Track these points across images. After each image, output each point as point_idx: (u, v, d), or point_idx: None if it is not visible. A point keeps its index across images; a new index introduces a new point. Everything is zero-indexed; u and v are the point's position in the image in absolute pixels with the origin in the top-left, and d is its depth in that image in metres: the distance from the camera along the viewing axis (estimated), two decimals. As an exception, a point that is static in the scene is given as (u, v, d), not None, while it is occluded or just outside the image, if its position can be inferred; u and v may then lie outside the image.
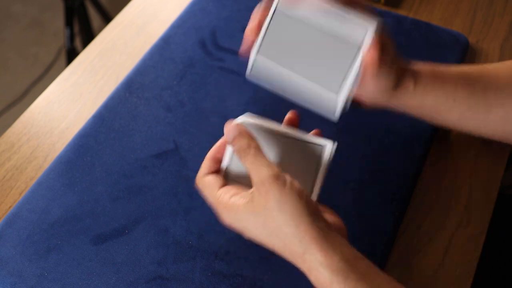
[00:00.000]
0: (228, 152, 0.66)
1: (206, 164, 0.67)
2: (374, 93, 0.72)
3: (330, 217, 0.64)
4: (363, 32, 0.66)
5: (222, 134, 0.65)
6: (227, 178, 0.66)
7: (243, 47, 0.71)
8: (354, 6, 0.68)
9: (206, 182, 0.66)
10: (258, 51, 0.68)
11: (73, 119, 0.89)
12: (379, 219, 0.77)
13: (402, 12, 1.03)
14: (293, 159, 0.66)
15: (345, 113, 0.69)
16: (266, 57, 0.68)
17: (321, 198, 0.66)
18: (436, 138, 0.86)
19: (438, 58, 0.93)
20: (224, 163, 0.67)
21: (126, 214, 0.77)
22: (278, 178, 0.59)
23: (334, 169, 0.70)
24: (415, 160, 0.82)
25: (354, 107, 0.74)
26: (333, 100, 0.67)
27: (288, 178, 0.59)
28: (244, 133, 0.63)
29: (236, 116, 0.68)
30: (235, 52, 0.94)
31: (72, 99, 0.92)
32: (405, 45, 0.96)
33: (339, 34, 0.66)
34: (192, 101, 0.89)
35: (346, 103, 0.67)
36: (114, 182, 0.80)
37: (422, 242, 0.76)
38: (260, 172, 0.60)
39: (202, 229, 0.76)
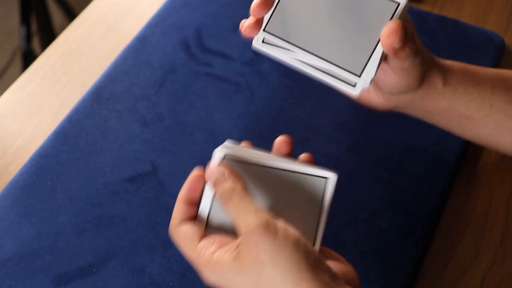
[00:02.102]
0: (206, 192, 0.65)
1: (180, 209, 0.66)
2: (395, 86, 0.71)
3: (337, 265, 0.63)
4: (390, 9, 0.65)
5: (209, 154, 0.66)
6: (208, 226, 0.66)
7: (246, 24, 0.69)
8: None
9: (182, 234, 0.64)
10: (266, 26, 0.67)
11: (30, 135, 0.90)
12: (397, 256, 0.78)
13: (425, 7, 1.04)
14: (289, 199, 0.65)
15: (359, 114, 0.67)
16: (275, 35, 0.67)
17: (327, 232, 0.66)
18: (465, 158, 0.86)
19: (467, 62, 0.94)
20: (204, 207, 0.66)
21: (94, 249, 0.78)
22: (268, 227, 0.58)
23: (343, 196, 0.70)
24: (440, 185, 0.83)
25: (368, 107, 0.75)
26: (353, 81, 0.65)
27: (280, 224, 0.59)
28: (227, 175, 0.63)
29: (225, 133, 0.69)
30: (224, 55, 0.95)
31: (29, 111, 0.93)
32: (429, 46, 0.97)
33: (362, 11, 0.65)
34: (173, 114, 0.90)
35: (371, 76, 0.65)
36: (79, 211, 0.81)
37: (449, 283, 0.77)
38: (246, 221, 0.59)
39: (185, 267, 0.76)
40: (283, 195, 0.65)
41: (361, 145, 0.86)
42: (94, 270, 0.76)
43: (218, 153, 0.65)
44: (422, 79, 0.71)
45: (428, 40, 0.98)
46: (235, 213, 0.60)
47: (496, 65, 0.95)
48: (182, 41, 0.98)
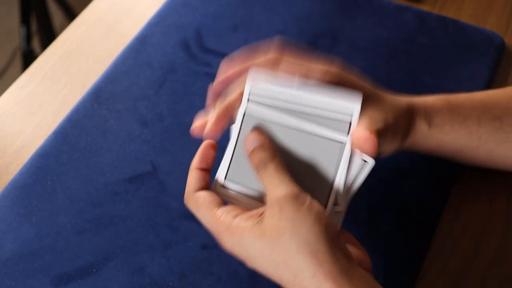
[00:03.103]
0: (228, 154, 0.67)
1: (194, 176, 0.67)
2: (383, 154, 0.74)
3: (353, 249, 0.64)
4: (347, 116, 0.66)
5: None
6: (228, 188, 0.67)
7: (194, 126, 0.72)
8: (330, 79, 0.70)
9: (201, 200, 0.65)
10: (226, 177, 0.68)
11: (30, 135, 0.90)
12: (396, 256, 0.78)
13: (425, 7, 1.04)
14: (306, 162, 0.67)
15: None
16: (237, 182, 0.68)
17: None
18: (465, 158, 0.87)
19: (467, 62, 0.94)
20: (220, 176, 0.67)
21: (94, 249, 0.78)
22: (296, 198, 0.60)
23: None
24: (441, 185, 0.83)
25: None
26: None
27: (308, 198, 0.60)
28: (266, 144, 0.65)
29: (225, 133, 0.69)
30: (224, 55, 0.95)
31: (29, 111, 0.93)
32: (429, 46, 0.97)
33: (321, 128, 0.66)
34: (173, 114, 0.90)
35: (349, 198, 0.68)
36: (79, 211, 0.81)
37: (449, 283, 0.77)
38: (277, 190, 0.61)
39: (185, 267, 0.76)
40: (301, 158, 0.67)
41: (361, 145, 0.86)
42: (94, 270, 0.76)
43: (242, 108, 0.67)
44: (405, 135, 0.73)
45: (428, 40, 0.98)
46: (267, 181, 0.62)
47: (496, 65, 0.95)
48: (182, 41, 0.98)
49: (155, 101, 0.91)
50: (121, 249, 0.78)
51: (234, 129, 0.68)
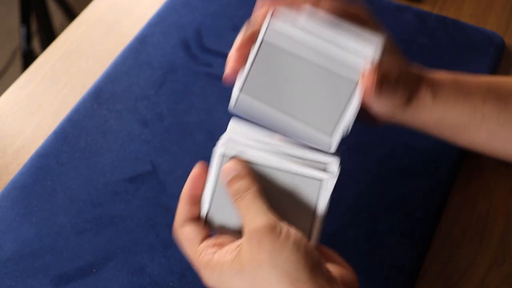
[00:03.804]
0: (208, 189, 0.66)
1: (182, 208, 0.67)
2: (382, 112, 0.72)
3: (336, 268, 0.63)
4: (361, 59, 0.66)
5: (209, 155, 0.66)
6: (210, 223, 0.67)
7: (226, 73, 0.71)
8: (357, 20, 0.70)
9: (185, 235, 0.65)
10: (241, 89, 0.69)
11: (30, 135, 0.90)
12: (397, 256, 0.78)
13: (425, 7, 1.04)
14: (286, 198, 0.66)
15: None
16: (251, 96, 0.68)
17: (326, 232, 0.66)
18: (466, 158, 0.86)
19: (467, 62, 0.94)
20: (205, 206, 0.67)
21: (94, 249, 0.78)
22: (273, 228, 0.59)
23: (343, 196, 0.71)
24: (441, 184, 0.83)
25: (365, 125, 0.75)
26: (326, 141, 0.67)
27: (284, 227, 0.59)
28: (243, 174, 0.64)
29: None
30: (224, 55, 0.95)
31: (29, 111, 0.93)
32: (429, 46, 0.97)
33: (334, 65, 0.67)
34: (173, 114, 0.90)
35: (344, 132, 0.68)
36: (79, 211, 0.81)
37: (449, 283, 0.77)
38: (253, 221, 0.60)
39: (185, 267, 0.76)
40: (281, 194, 0.66)
41: (361, 145, 0.86)
42: (94, 270, 0.76)
43: (219, 150, 0.66)
44: (409, 99, 0.72)
45: (428, 40, 0.98)
46: (245, 211, 0.61)
47: (496, 64, 0.95)
48: (182, 41, 0.98)
49: (155, 101, 0.91)
50: (121, 249, 0.78)
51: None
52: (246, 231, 0.60)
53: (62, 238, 0.79)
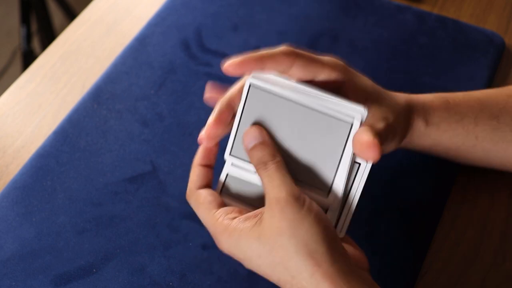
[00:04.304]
0: (227, 164, 0.67)
1: (197, 172, 0.67)
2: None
3: (351, 249, 0.65)
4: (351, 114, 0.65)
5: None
6: (223, 192, 0.68)
7: (202, 137, 0.69)
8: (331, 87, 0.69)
9: (201, 199, 0.66)
10: (230, 153, 0.68)
11: (30, 135, 0.90)
12: (397, 256, 0.78)
13: (425, 7, 1.05)
14: (310, 143, 0.65)
15: None
16: (240, 159, 0.68)
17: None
18: (465, 158, 0.87)
19: (467, 62, 0.94)
20: (222, 176, 0.68)
21: (94, 249, 0.78)
22: (297, 199, 0.60)
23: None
24: (441, 184, 0.83)
25: None
26: (324, 201, 0.66)
27: (307, 199, 0.60)
28: (268, 142, 0.64)
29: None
30: (224, 55, 0.95)
31: (29, 111, 0.93)
32: (429, 46, 0.97)
33: (323, 116, 0.65)
34: (173, 114, 0.90)
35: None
36: (79, 211, 0.81)
37: (450, 283, 0.77)
38: (277, 190, 0.60)
39: (185, 267, 0.76)
40: (305, 137, 0.65)
41: (361, 145, 0.86)
42: (94, 270, 0.76)
43: (247, 82, 0.66)
44: (402, 135, 0.73)
45: (428, 40, 0.98)
46: (267, 180, 0.62)
47: (496, 65, 0.95)
48: (182, 41, 0.98)
49: (155, 101, 0.91)
50: (121, 249, 0.78)
51: (238, 108, 0.67)
52: (269, 199, 0.60)
53: (62, 238, 0.79)
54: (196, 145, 0.84)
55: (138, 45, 0.98)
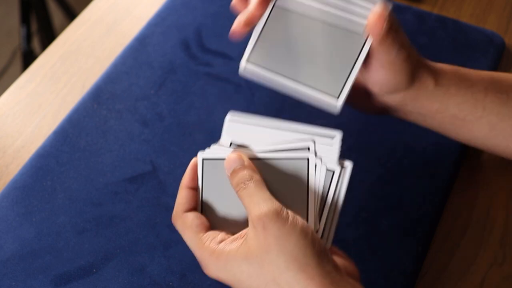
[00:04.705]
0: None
1: (184, 195, 0.67)
2: (385, 84, 0.71)
3: (339, 260, 0.64)
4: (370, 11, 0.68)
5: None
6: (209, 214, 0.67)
7: (233, 29, 0.72)
8: None
9: (188, 222, 0.65)
10: (248, 58, 0.70)
11: (30, 135, 0.90)
12: (397, 256, 0.78)
13: (425, 7, 1.04)
14: (283, 183, 0.67)
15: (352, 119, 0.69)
16: (257, 65, 0.70)
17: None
18: (465, 158, 0.87)
19: (467, 62, 0.94)
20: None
21: (94, 249, 0.78)
22: (279, 214, 0.59)
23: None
24: (440, 184, 0.83)
25: (366, 112, 0.75)
26: (333, 103, 0.68)
27: (290, 213, 0.60)
28: (246, 165, 0.64)
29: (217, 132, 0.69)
30: (224, 55, 0.95)
31: (29, 111, 0.93)
32: (429, 46, 0.97)
33: (344, 21, 0.69)
34: (173, 114, 0.90)
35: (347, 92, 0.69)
36: (79, 211, 0.81)
37: (449, 283, 0.77)
38: (258, 208, 0.60)
39: (185, 267, 0.76)
40: (279, 180, 0.66)
41: (361, 145, 0.86)
42: (94, 270, 0.76)
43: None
44: (412, 77, 0.71)
45: (428, 40, 0.98)
46: (248, 200, 0.61)
47: (496, 64, 0.95)
48: (182, 41, 0.98)
49: (155, 101, 0.91)
50: (121, 249, 0.78)
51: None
52: (251, 218, 0.60)
53: (62, 238, 0.79)
54: (196, 145, 0.84)
55: (138, 45, 0.98)
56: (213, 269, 0.62)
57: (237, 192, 0.63)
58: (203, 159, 0.68)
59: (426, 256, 0.79)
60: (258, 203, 0.60)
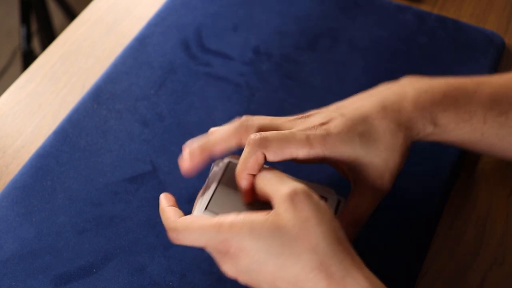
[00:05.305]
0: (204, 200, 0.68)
1: (170, 210, 0.67)
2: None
3: None
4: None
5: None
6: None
7: (186, 168, 0.71)
8: None
9: (189, 218, 0.64)
10: (206, 207, 0.68)
11: (30, 135, 0.90)
12: (395, 258, 0.78)
13: (425, 7, 1.05)
14: None
15: None
16: (214, 213, 0.68)
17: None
18: (465, 159, 0.87)
19: (467, 62, 0.94)
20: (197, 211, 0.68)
21: (94, 249, 0.78)
22: (310, 195, 0.60)
23: (343, 196, 0.71)
24: (440, 185, 0.83)
25: None
26: None
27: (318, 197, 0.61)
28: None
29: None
30: (224, 55, 0.95)
31: (29, 111, 0.93)
32: (429, 46, 0.97)
33: None
34: (173, 114, 0.90)
35: None
36: (79, 211, 0.81)
37: (449, 283, 0.77)
38: (287, 185, 0.60)
39: (185, 267, 0.76)
40: None
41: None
42: (94, 270, 0.76)
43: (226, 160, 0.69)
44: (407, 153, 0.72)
45: (428, 40, 0.98)
46: (274, 181, 0.62)
47: (496, 65, 0.95)
48: (182, 41, 0.98)
49: (155, 101, 0.91)
50: (121, 249, 0.78)
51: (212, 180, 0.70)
52: (281, 194, 0.59)
53: (62, 238, 0.79)
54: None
55: (138, 45, 0.98)
56: (236, 245, 0.60)
57: (258, 180, 0.63)
58: (229, 162, 0.70)
59: (426, 256, 0.79)
60: (287, 182, 0.60)
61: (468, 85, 0.75)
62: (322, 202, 0.60)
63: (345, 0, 1.04)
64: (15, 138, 0.90)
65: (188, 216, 0.65)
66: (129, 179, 0.83)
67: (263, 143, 0.65)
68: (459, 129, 0.73)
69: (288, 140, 0.66)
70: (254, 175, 0.65)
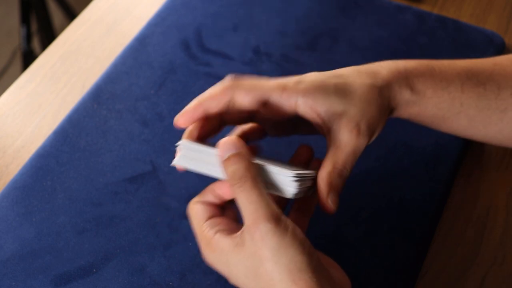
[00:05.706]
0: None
1: (203, 192, 0.67)
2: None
3: (333, 271, 0.63)
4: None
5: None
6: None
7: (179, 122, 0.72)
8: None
9: (194, 211, 0.66)
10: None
11: (30, 135, 0.90)
12: (396, 256, 0.78)
13: (425, 7, 1.05)
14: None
15: None
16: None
17: (326, 232, 0.66)
18: (465, 158, 0.87)
19: (467, 63, 0.94)
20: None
21: (94, 249, 0.78)
22: (278, 224, 0.58)
23: (343, 196, 0.71)
24: (440, 185, 0.83)
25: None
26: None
27: (290, 223, 0.59)
28: (243, 153, 0.62)
29: (225, 133, 0.69)
30: (224, 55, 0.95)
31: (29, 111, 0.93)
32: (429, 46, 0.97)
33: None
34: (173, 114, 0.90)
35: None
36: (79, 211, 0.81)
37: (449, 283, 0.77)
38: (255, 212, 0.59)
39: (185, 267, 0.76)
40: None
41: (361, 145, 0.86)
42: (94, 270, 0.76)
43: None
44: (386, 117, 0.71)
45: (428, 40, 0.98)
46: (244, 201, 0.60)
47: (496, 65, 0.95)
48: (182, 41, 0.98)
49: (155, 101, 0.91)
50: (121, 249, 0.78)
51: None
52: (247, 223, 0.59)
53: (62, 238, 0.79)
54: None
55: (138, 45, 0.98)
56: (208, 257, 0.63)
57: (231, 186, 0.61)
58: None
59: (426, 256, 0.79)
60: (255, 206, 0.59)
61: (441, 61, 0.74)
62: (288, 238, 0.58)
63: (345, 0, 1.04)
64: (15, 138, 0.90)
65: (195, 207, 0.66)
66: (129, 179, 0.83)
67: (235, 83, 0.67)
68: (437, 97, 0.71)
69: (261, 82, 0.67)
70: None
